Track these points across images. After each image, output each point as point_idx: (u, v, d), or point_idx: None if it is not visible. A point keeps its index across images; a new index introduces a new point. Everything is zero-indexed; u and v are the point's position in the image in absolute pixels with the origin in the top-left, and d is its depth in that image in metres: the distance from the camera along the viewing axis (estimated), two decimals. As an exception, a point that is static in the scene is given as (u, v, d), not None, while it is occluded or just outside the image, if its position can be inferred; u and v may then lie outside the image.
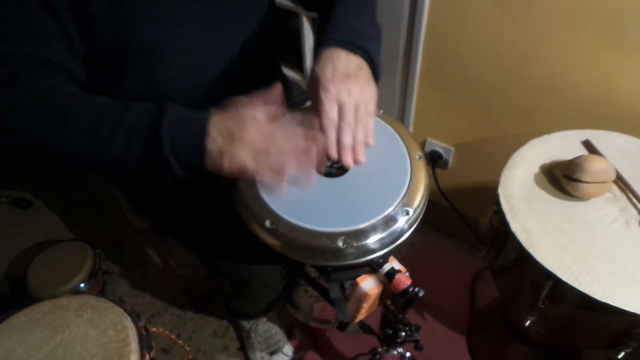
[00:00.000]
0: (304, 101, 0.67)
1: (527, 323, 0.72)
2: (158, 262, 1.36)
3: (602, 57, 0.82)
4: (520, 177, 0.75)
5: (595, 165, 0.67)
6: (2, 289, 1.34)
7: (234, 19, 0.70)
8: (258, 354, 1.14)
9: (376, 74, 0.62)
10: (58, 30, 0.56)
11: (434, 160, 1.22)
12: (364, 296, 0.65)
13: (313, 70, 0.59)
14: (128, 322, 0.65)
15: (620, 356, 0.68)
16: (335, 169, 0.59)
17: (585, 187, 0.68)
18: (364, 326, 0.87)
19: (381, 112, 0.66)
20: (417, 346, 0.76)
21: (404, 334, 0.73)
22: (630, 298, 0.58)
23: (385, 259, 0.62)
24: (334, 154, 0.55)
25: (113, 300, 0.68)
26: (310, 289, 1.27)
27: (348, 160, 0.56)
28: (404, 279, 0.61)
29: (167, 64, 0.66)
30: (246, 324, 1.15)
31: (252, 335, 1.14)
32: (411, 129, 1.21)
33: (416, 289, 0.61)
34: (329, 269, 0.61)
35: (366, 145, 0.58)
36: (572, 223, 0.68)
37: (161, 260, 1.35)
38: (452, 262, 1.31)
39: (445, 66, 1.03)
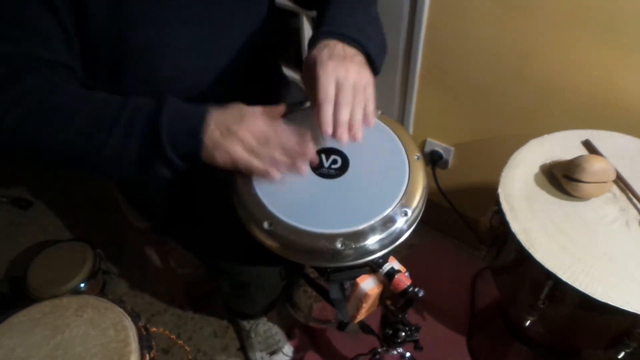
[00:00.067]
0: (304, 101, 0.67)
1: (527, 323, 0.72)
2: (158, 262, 1.36)
3: (602, 57, 0.82)
4: (520, 177, 0.75)
5: (595, 165, 0.67)
6: (2, 289, 1.35)
7: (234, 20, 0.70)
8: (258, 354, 1.14)
9: (374, 70, 0.62)
10: (58, 30, 0.56)
11: (434, 160, 1.22)
12: (364, 296, 0.65)
13: (309, 54, 0.58)
14: (128, 322, 0.65)
15: (620, 356, 0.68)
16: (333, 169, 0.59)
17: (585, 187, 0.68)
18: (364, 326, 0.87)
19: (379, 112, 0.66)
20: (417, 346, 0.76)
21: (404, 334, 0.73)
22: (630, 298, 0.58)
23: (385, 259, 0.62)
24: (328, 129, 0.54)
25: (113, 300, 0.69)
26: (309, 289, 1.27)
27: (343, 136, 0.54)
28: (403, 279, 0.61)
29: (167, 64, 0.66)
30: (246, 324, 1.15)
31: (252, 335, 1.14)
32: (411, 129, 1.21)
33: (416, 289, 0.61)
34: (328, 270, 0.61)
35: (366, 125, 0.57)
36: (572, 223, 0.68)
37: (161, 260, 1.35)
38: (452, 262, 1.31)
39: (445, 66, 1.03)
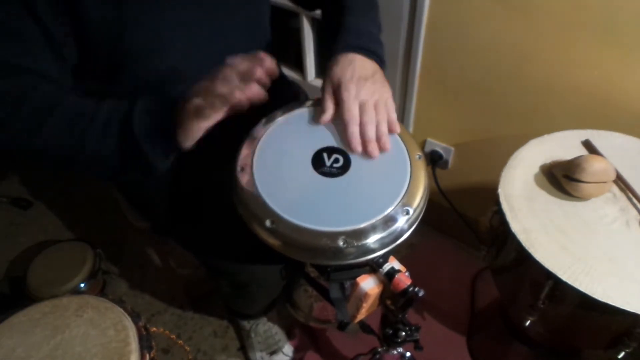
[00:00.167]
0: (304, 101, 0.67)
1: (527, 323, 0.72)
2: (158, 262, 1.36)
3: (602, 57, 0.82)
4: (520, 177, 0.75)
5: (595, 165, 0.67)
6: (2, 289, 1.34)
7: (234, 20, 0.70)
8: (258, 354, 1.14)
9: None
10: (42, 37, 0.56)
11: (434, 160, 1.22)
12: (364, 296, 0.65)
13: (332, 72, 0.61)
14: (128, 322, 0.65)
15: (620, 356, 0.68)
16: (335, 168, 0.59)
17: (585, 187, 0.68)
18: (364, 326, 0.87)
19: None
20: (417, 346, 0.76)
21: (404, 333, 0.73)
22: (630, 298, 0.58)
23: (385, 258, 0.62)
24: (357, 147, 0.59)
25: (113, 300, 0.69)
26: (310, 289, 1.28)
27: (374, 152, 0.59)
28: (404, 279, 0.61)
29: (166, 65, 0.66)
30: (246, 324, 1.15)
31: (252, 335, 1.14)
32: (411, 129, 1.21)
33: (416, 289, 0.61)
34: (329, 269, 0.61)
35: (392, 132, 0.61)
36: (572, 223, 0.68)
37: (161, 260, 1.35)
38: (452, 262, 1.31)
39: (445, 66, 1.03)
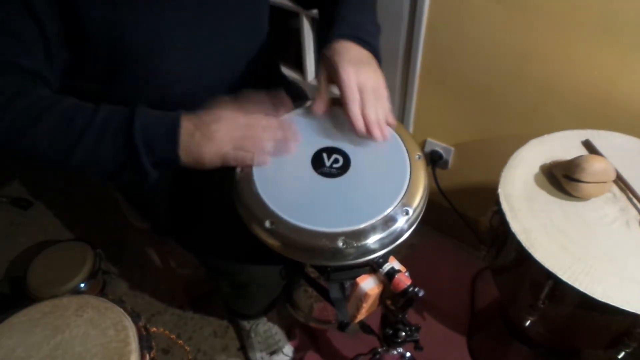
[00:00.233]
0: (305, 101, 0.67)
1: (527, 323, 0.72)
2: (158, 262, 1.36)
3: (602, 57, 0.82)
4: (520, 177, 0.75)
5: (595, 165, 0.67)
6: (2, 289, 1.34)
7: (233, 20, 0.70)
8: (258, 354, 1.14)
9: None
10: (38, 36, 0.56)
11: (434, 160, 1.22)
12: (364, 296, 0.65)
13: (326, 57, 0.61)
14: (128, 322, 0.65)
15: (620, 356, 0.68)
16: (335, 169, 0.59)
17: (585, 187, 0.68)
18: (364, 326, 0.87)
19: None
20: (417, 346, 0.76)
21: (404, 334, 0.73)
22: (630, 298, 0.58)
23: (385, 259, 0.62)
24: (361, 127, 0.58)
25: (113, 300, 0.68)
26: (310, 289, 1.28)
27: (377, 133, 0.59)
28: (404, 279, 0.61)
29: (166, 66, 0.66)
30: (246, 324, 1.15)
31: (252, 335, 1.14)
32: (411, 129, 1.21)
33: (416, 289, 0.61)
34: (329, 269, 0.61)
35: (388, 124, 0.61)
36: (572, 223, 0.68)
37: (161, 260, 1.35)
38: (452, 262, 1.31)
39: (445, 66, 1.03)
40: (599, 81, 0.85)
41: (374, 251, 0.54)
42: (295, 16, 1.25)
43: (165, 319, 1.27)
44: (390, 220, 0.54)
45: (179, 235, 0.86)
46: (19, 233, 1.52)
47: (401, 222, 0.54)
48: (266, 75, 0.85)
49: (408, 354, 0.86)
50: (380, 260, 0.61)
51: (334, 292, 0.69)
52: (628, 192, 0.72)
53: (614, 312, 0.58)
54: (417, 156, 0.61)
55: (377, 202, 0.55)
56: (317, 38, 1.29)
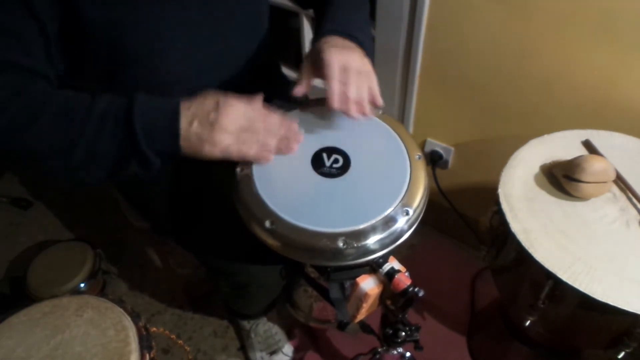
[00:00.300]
0: (304, 101, 0.67)
1: (527, 323, 0.72)
2: (158, 262, 1.36)
3: (602, 57, 0.82)
4: (520, 177, 0.75)
5: (595, 165, 0.67)
6: (2, 289, 1.35)
7: (233, 21, 0.70)
8: (258, 354, 1.14)
9: None
10: (38, 36, 0.55)
11: (434, 160, 1.22)
12: (364, 296, 0.65)
13: (312, 48, 0.62)
14: (128, 322, 0.65)
15: (620, 356, 0.68)
16: (335, 169, 0.59)
17: (585, 187, 0.68)
18: (364, 326, 0.87)
19: (380, 112, 0.66)
20: (417, 346, 0.76)
21: (404, 334, 0.73)
22: (630, 298, 0.58)
23: (385, 259, 0.62)
24: (335, 103, 0.58)
25: (113, 300, 0.69)
26: (310, 289, 1.28)
27: (353, 111, 0.58)
28: (404, 279, 0.61)
29: (167, 66, 0.66)
30: (246, 324, 1.15)
31: (252, 335, 1.14)
32: (411, 129, 1.21)
33: (416, 289, 0.61)
34: (329, 269, 0.61)
35: (374, 105, 0.61)
36: (572, 223, 0.68)
37: (161, 260, 1.35)
38: (452, 262, 1.31)
39: (445, 66, 1.03)
40: (599, 81, 0.85)
41: (374, 251, 0.54)
42: (295, 16, 1.25)
43: (165, 319, 1.27)
44: (390, 220, 0.54)
45: (179, 235, 0.86)
46: (19, 233, 1.52)
47: (401, 222, 0.54)
48: (266, 75, 0.85)
49: (408, 354, 0.86)
50: (380, 260, 0.61)
51: (334, 292, 0.69)
52: (628, 192, 0.72)
53: (614, 312, 0.58)
54: (417, 156, 0.61)
55: (377, 202, 0.55)
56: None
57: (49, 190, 1.65)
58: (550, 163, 0.76)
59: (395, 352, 0.81)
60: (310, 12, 1.20)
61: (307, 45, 1.29)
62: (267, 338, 1.14)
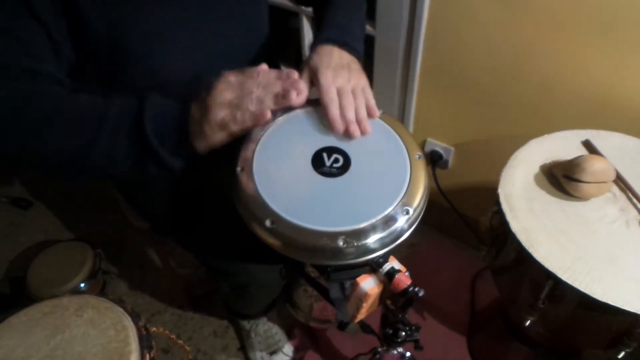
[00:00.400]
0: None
1: (527, 323, 0.72)
2: (158, 262, 1.36)
3: (602, 57, 0.82)
4: (520, 177, 0.75)
5: (595, 165, 0.67)
6: (2, 289, 1.35)
7: (233, 21, 0.70)
8: (258, 354, 1.14)
9: None
10: (44, 39, 0.55)
11: (434, 160, 1.22)
12: (364, 296, 0.65)
13: (310, 60, 0.62)
14: (128, 321, 0.65)
15: (620, 356, 0.68)
16: (335, 168, 0.59)
17: (585, 187, 0.68)
18: (364, 326, 0.87)
19: (381, 112, 0.66)
20: (417, 346, 0.76)
21: (404, 333, 0.73)
22: (630, 298, 0.58)
23: (385, 258, 0.62)
24: (339, 127, 0.59)
25: (113, 300, 0.69)
26: (310, 289, 1.28)
27: (355, 132, 0.60)
28: (404, 279, 0.61)
29: (167, 67, 0.66)
30: (246, 324, 1.15)
31: (252, 335, 1.14)
32: (411, 129, 1.21)
33: (416, 289, 0.61)
34: (329, 269, 0.61)
35: (371, 117, 0.62)
36: (572, 223, 0.68)
37: (161, 260, 1.35)
38: (452, 262, 1.31)
39: (445, 66, 1.03)
40: (599, 81, 0.85)
41: (374, 251, 0.54)
42: (295, 16, 1.25)
43: (165, 319, 1.27)
44: (390, 219, 0.54)
45: (179, 235, 0.86)
46: (19, 233, 1.52)
47: (401, 221, 0.54)
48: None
49: (408, 354, 0.86)
50: (381, 260, 0.61)
51: (334, 292, 0.69)
52: (628, 192, 0.72)
53: (614, 312, 0.58)
54: (417, 156, 0.61)
55: (377, 201, 0.55)
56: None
57: (49, 190, 1.65)
58: (550, 163, 0.76)
59: (395, 352, 0.81)
60: (310, 11, 1.20)
61: (307, 46, 1.29)
62: (267, 338, 1.14)
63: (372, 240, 0.53)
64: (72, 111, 0.54)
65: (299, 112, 0.66)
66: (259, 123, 0.54)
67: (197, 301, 1.29)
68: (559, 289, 0.65)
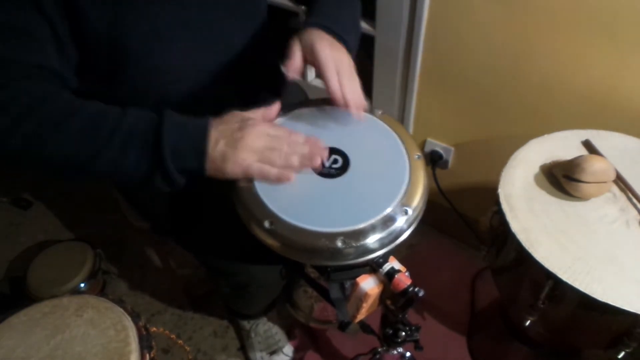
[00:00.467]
0: (304, 101, 0.67)
1: (527, 323, 0.72)
2: (158, 262, 1.36)
3: (602, 57, 0.82)
4: (520, 177, 0.75)
5: (595, 165, 0.67)
6: (2, 289, 1.35)
7: (233, 20, 0.70)
8: (258, 354, 1.14)
9: None
10: (50, 36, 0.55)
11: (434, 160, 1.22)
12: (364, 296, 0.65)
13: (303, 36, 0.63)
14: (128, 322, 0.65)
15: (620, 356, 0.68)
16: (334, 169, 0.59)
17: (585, 187, 0.68)
18: (364, 326, 0.87)
19: (380, 112, 0.66)
20: (417, 346, 0.76)
21: (404, 333, 0.73)
22: (630, 298, 0.58)
23: (385, 258, 0.62)
24: (340, 98, 0.60)
25: (113, 300, 0.69)
26: (310, 289, 1.28)
27: (353, 108, 0.61)
28: (404, 279, 0.61)
29: (165, 67, 0.66)
30: (246, 324, 1.15)
31: (252, 335, 1.14)
32: (411, 129, 1.21)
33: (416, 289, 0.61)
34: (328, 269, 0.61)
35: (360, 107, 0.62)
36: (572, 223, 0.68)
37: (161, 260, 1.35)
38: (452, 262, 1.31)
39: (445, 66, 1.03)
40: (599, 81, 0.85)
41: (373, 251, 0.54)
42: (295, 16, 1.25)
43: (165, 319, 1.27)
44: (389, 220, 0.54)
45: (179, 235, 0.86)
46: (19, 233, 1.52)
47: (400, 221, 0.54)
48: (266, 75, 0.85)
49: (408, 354, 0.86)
50: (380, 260, 0.61)
51: (334, 292, 0.69)
52: (628, 192, 0.72)
53: (614, 312, 0.58)
54: (416, 156, 0.61)
55: (377, 202, 0.55)
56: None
57: (49, 190, 1.65)
58: (550, 163, 0.76)
59: (395, 352, 0.81)
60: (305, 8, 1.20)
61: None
62: (267, 338, 1.14)
63: (371, 240, 0.53)
64: (86, 114, 0.53)
65: (298, 113, 0.66)
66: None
67: (197, 301, 1.29)
68: (559, 289, 0.65)
